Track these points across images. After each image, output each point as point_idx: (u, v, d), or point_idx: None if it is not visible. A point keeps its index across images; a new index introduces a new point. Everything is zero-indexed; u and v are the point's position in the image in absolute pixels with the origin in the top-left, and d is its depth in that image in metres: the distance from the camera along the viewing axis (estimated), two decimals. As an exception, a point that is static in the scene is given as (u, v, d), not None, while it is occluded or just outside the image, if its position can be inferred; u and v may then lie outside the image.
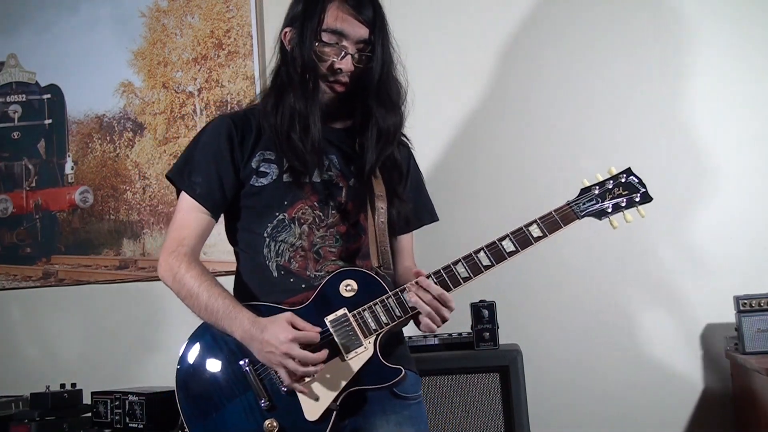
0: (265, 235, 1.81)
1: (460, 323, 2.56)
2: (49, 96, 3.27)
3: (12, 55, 3.30)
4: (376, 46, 1.79)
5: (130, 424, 2.48)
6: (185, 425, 1.73)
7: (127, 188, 3.17)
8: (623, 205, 1.79)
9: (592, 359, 2.78)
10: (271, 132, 1.81)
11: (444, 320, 1.72)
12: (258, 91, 3.06)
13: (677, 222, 2.77)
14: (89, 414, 2.63)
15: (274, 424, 1.68)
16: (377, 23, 1.80)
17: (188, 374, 1.75)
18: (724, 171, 2.75)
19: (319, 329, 1.67)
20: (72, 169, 3.22)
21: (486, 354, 2.45)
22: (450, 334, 2.55)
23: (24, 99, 3.28)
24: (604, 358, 2.77)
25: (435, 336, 2.53)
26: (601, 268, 2.79)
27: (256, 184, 1.82)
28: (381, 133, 1.83)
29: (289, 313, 1.68)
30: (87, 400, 2.66)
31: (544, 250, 2.74)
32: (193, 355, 1.76)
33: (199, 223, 1.81)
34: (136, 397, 2.47)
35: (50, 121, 3.26)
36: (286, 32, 1.85)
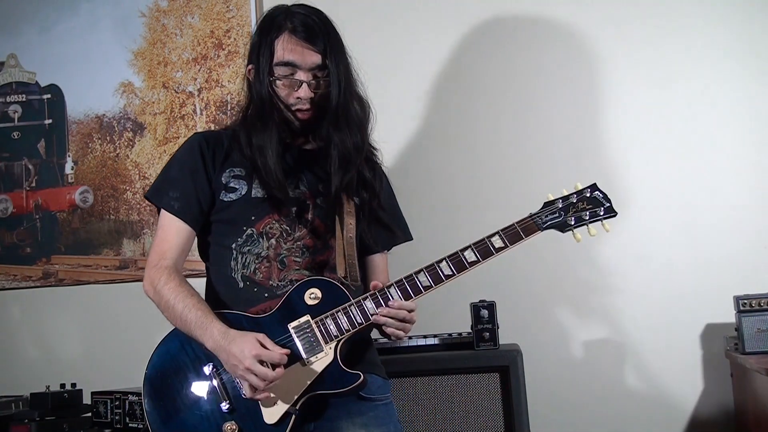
0: (234, 248, 1.86)
1: (460, 323, 2.57)
2: (49, 96, 3.26)
3: (12, 55, 3.30)
4: (332, 69, 1.82)
5: (130, 424, 2.48)
6: (149, 428, 1.77)
7: (127, 188, 3.17)
8: (586, 218, 1.84)
9: (592, 359, 2.78)
10: (248, 161, 1.87)
11: (412, 322, 1.78)
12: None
13: (677, 222, 2.77)
14: (89, 414, 2.63)
15: (234, 426, 1.72)
16: (329, 46, 1.83)
17: (155, 378, 1.81)
18: (724, 171, 2.75)
19: (287, 351, 1.71)
20: (72, 169, 3.22)
21: (486, 354, 2.45)
22: (450, 334, 2.55)
23: (24, 99, 3.28)
24: (603, 358, 2.77)
25: (435, 336, 2.54)
26: (601, 268, 2.79)
27: (225, 199, 1.88)
28: (342, 156, 1.86)
29: (261, 334, 1.72)
30: (87, 400, 2.66)
31: (544, 250, 2.76)
32: (160, 361, 1.82)
33: (180, 237, 1.87)
34: (136, 397, 2.47)
35: (50, 121, 3.26)
36: (249, 69, 1.90)
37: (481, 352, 2.45)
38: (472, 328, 2.49)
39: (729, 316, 2.53)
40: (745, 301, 2.45)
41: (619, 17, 2.85)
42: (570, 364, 2.78)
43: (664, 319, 2.74)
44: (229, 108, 3.11)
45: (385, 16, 2.99)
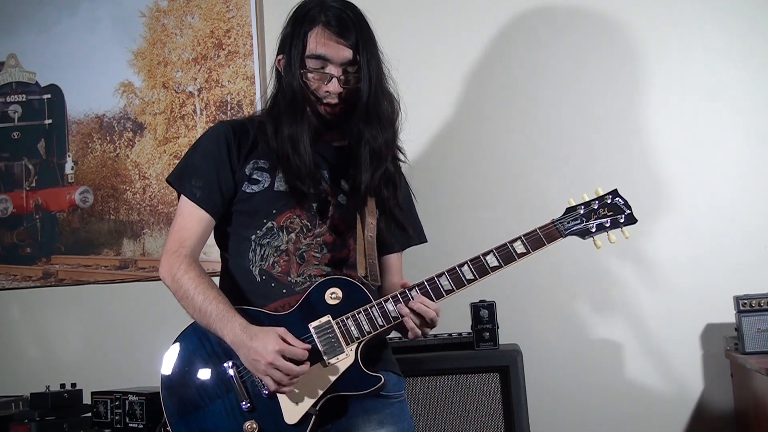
0: (253, 239, 1.85)
1: (460, 323, 2.56)
2: (49, 96, 3.26)
3: (12, 55, 3.30)
4: (362, 65, 1.81)
5: (130, 424, 2.48)
6: (167, 424, 1.76)
7: (127, 188, 3.17)
8: (607, 225, 1.84)
9: (592, 359, 2.77)
10: (273, 154, 1.86)
11: (433, 325, 1.79)
12: (258, 91, 3.07)
13: (677, 222, 2.77)
14: (89, 414, 2.63)
15: (254, 425, 1.72)
16: (362, 42, 1.81)
17: (173, 374, 1.80)
18: (724, 171, 2.75)
19: (308, 346, 1.70)
20: (72, 169, 3.22)
21: (486, 354, 2.45)
22: (450, 334, 2.55)
23: (24, 99, 3.28)
24: (603, 358, 2.77)
25: (435, 336, 2.53)
26: (601, 267, 2.79)
27: (248, 191, 1.86)
28: (374, 152, 1.85)
29: (282, 328, 1.71)
30: (87, 400, 2.66)
31: (543, 250, 2.74)
32: (178, 356, 1.81)
33: (200, 226, 1.85)
34: (136, 397, 2.47)
35: (50, 121, 3.26)
36: (279, 59, 1.89)
37: (481, 352, 2.45)
38: (472, 328, 2.49)
39: (729, 316, 2.53)
40: (745, 301, 2.45)
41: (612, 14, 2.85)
42: (570, 364, 2.78)
43: (664, 319, 2.74)
44: (229, 108, 3.11)
45: (410, 13, 2.98)
